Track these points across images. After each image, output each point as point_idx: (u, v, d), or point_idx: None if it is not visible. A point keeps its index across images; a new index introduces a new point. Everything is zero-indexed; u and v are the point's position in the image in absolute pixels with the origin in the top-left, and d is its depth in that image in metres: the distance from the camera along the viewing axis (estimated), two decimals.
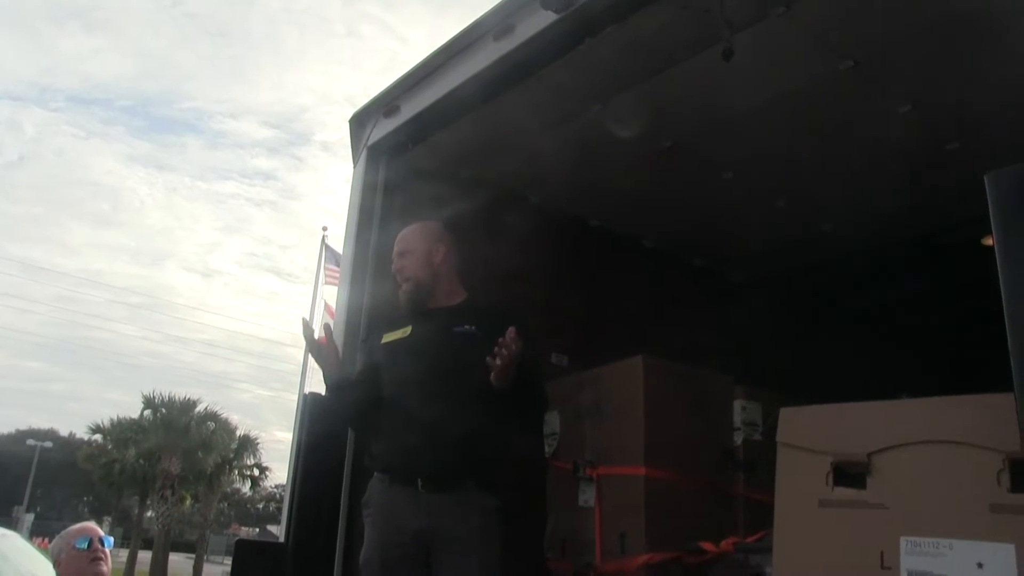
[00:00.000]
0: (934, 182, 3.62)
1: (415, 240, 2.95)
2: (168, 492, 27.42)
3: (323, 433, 3.19)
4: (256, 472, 32.40)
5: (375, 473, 2.73)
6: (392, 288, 2.99)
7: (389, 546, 2.60)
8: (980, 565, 1.95)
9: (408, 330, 2.85)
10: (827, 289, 4.62)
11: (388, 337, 2.89)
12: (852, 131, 3.35)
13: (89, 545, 3.07)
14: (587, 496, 3.39)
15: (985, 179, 1.51)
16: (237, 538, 3.08)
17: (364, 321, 3.37)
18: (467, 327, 2.75)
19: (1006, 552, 1.92)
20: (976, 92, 2.98)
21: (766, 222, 4.20)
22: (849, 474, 2.24)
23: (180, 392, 38.00)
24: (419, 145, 3.60)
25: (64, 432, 59.45)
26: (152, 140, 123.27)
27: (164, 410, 28.90)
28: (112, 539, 3.25)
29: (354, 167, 3.73)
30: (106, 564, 3.10)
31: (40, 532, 31.09)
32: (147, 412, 29.19)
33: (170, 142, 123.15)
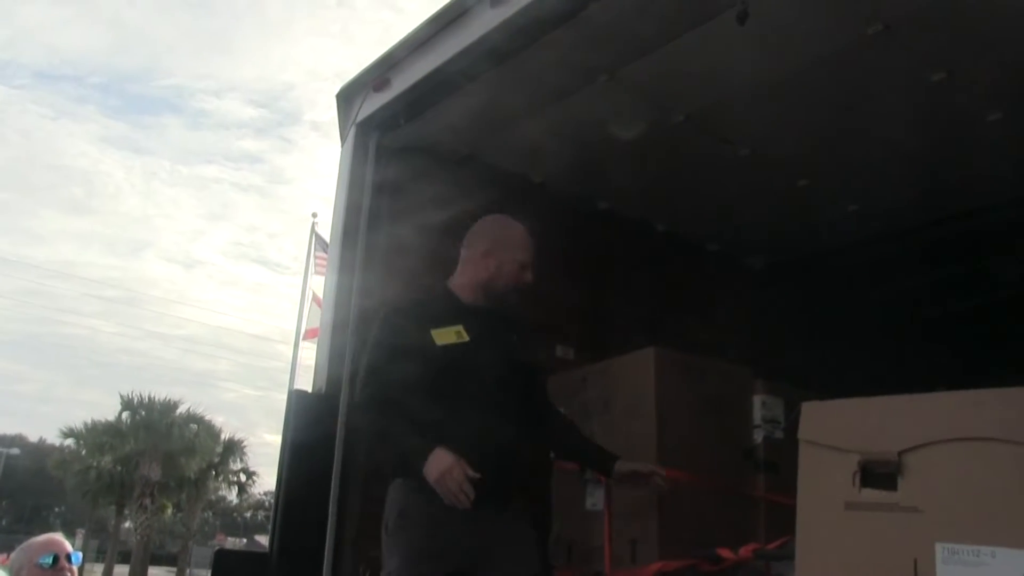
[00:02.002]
0: (973, 157, 3.58)
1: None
2: (147, 500, 27.52)
3: (311, 435, 3.18)
4: (243, 478, 32.61)
5: (411, 483, 2.64)
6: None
7: (434, 564, 2.57)
8: None
9: (463, 333, 2.78)
10: (853, 275, 4.59)
11: (441, 338, 2.77)
12: (881, 102, 3.31)
13: (54, 562, 2.85)
14: (595, 500, 3.37)
15: None
16: (217, 550, 3.06)
17: (393, 314, 3.21)
18: (514, 336, 2.88)
19: None
20: (1020, 56, 2.93)
21: (786, 203, 4.17)
22: (878, 474, 2.20)
23: (160, 392, 38.15)
24: (411, 121, 3.57)
25: (33, 437, 59.77)
26: (128, 120, 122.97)
27: (143, 412, 29.00)
28: (80, 555, 3.08)
29: (342, 145, 3.71)
30: None
31: (5, 547, 31.18)
32: (125, 414, 29.29)
33: (148, 123, 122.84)
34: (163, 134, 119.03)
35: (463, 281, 2.89)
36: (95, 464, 29.38)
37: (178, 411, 29.50)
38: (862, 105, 3.34)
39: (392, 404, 2.68)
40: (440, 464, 2.49)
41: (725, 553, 2.97)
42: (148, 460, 27.90)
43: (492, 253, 2.85)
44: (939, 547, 2.04)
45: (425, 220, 3.60)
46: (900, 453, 2.18)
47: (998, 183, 3.74)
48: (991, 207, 3.68)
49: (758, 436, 3.49)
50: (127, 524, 30.85)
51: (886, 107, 3.32)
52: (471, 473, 2.47)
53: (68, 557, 2.90)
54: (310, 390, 3.37)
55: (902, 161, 3.71)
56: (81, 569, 3.02)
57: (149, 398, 29.32)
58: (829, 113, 3.40)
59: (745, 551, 2.93)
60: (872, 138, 3.56)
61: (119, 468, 28.87)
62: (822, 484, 2.32)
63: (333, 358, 3.34)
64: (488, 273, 2.85)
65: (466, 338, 2.74)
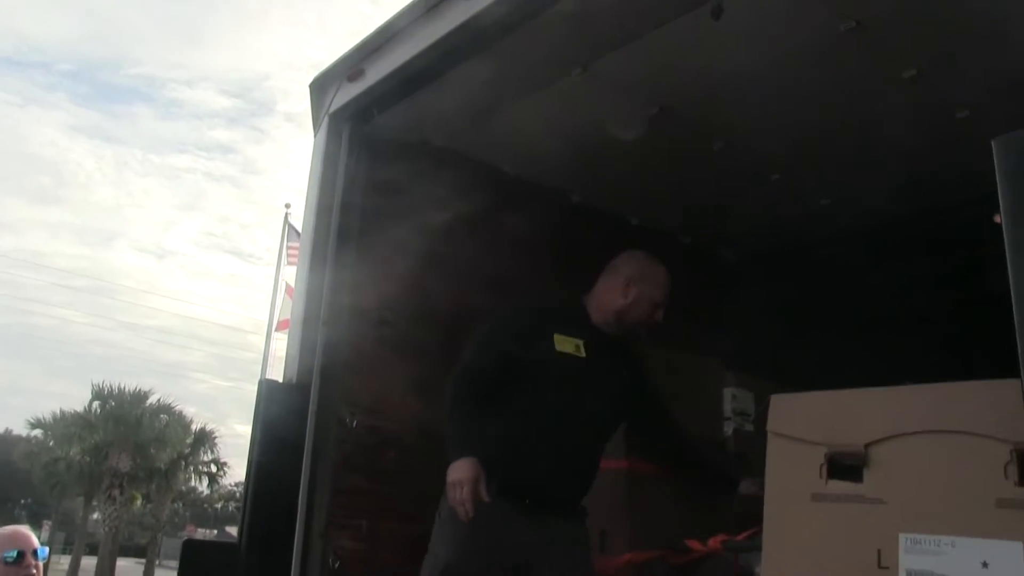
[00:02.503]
0: (942, 154, 3.62)
1: None
2: (116, 492, 27.29)
3: (282, 425, 3.18)
4: (213, 469, 32.38)
5: None
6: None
7: (483, 561, 2.68)
8: (985, 564, 1.95)
9: (580, 348, 2.90)
10: (825, 269, 4.63)
11: (561, 345, 2.90)
12: (852, 98, 3.34)
13: (19, 558, 2.76)
14: None
15: (993, 144, 1.50)
16: (185, 540, 3.04)
17: (520, 311, 3.12)
18: (624, 371, 3.02)
19: (1013, 550, 1.92)
20: (988, 55, 2.97)
21: (760, 196, 4.20)
22: (845, 466, 2.24)
23: (131, 383, 37.73)
24: (385, 112, 3.56)
25: None
26: (98, 109, 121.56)
27: (113, 402, 28.72)
28: (47, 549, 3.01)
29: (315, 136, 3.69)
30: None
31: None
32: (95, 404, 29.00)
33: (119, 111, 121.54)
34: (134, 123, 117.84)
35: (597, 303, 3.05)
36: (63, 455, 29.08)
37: (149, 401, 29.28)
38: (834, 101, 3.37)
39: (475, 390, 2.80)
40: (459, 472, 2.60)
41: (694, 544, 3.01)
42: (118, 451, 27.65)
43: (633, 284, 3.01)
44: (902, 537, 2.08)
45: (398, 211, 3.60)
46: (866, 445, 2.21)
47: (966, 180, 3.78)
48: (961, 203, 3.72)
49: (728, 428, 3.54)
50: (95, 515, 30.58)
51: (858, 103, 3.35)
52: (483, 495, 2.57)
53: (34, 552, 2.82)
54: (281, 380, 3.37)
55: (874, 157, 3.75)
56: (48, 562, 2.94)
57: (120, 388, 29.04)
58: (802, 108, 3.43)
59: (714, 542, 2.96)
60: (844, 134, 3.59)
61: (88, 459, 28.62)
62: (790, 476, 2.36)
63: (304, 349, 3.33)
64: (625, 302, 3.00)
65: (583, 354, 2.84)
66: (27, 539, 2.85)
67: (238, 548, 3.03)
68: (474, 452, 2.64)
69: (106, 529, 28.17)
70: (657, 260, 3.14)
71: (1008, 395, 1.98)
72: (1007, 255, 1.44)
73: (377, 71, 3.41)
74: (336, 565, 3.19)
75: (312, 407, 3.22)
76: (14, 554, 2.77)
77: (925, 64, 3.10)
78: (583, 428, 2.89)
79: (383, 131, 3.64)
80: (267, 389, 3.22)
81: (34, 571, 2.80)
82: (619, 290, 3.01)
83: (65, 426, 29.29)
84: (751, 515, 2.99)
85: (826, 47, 3.01)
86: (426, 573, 2.73)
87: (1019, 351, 1.39)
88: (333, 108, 3.58)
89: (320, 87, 3.65)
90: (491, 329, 2.94)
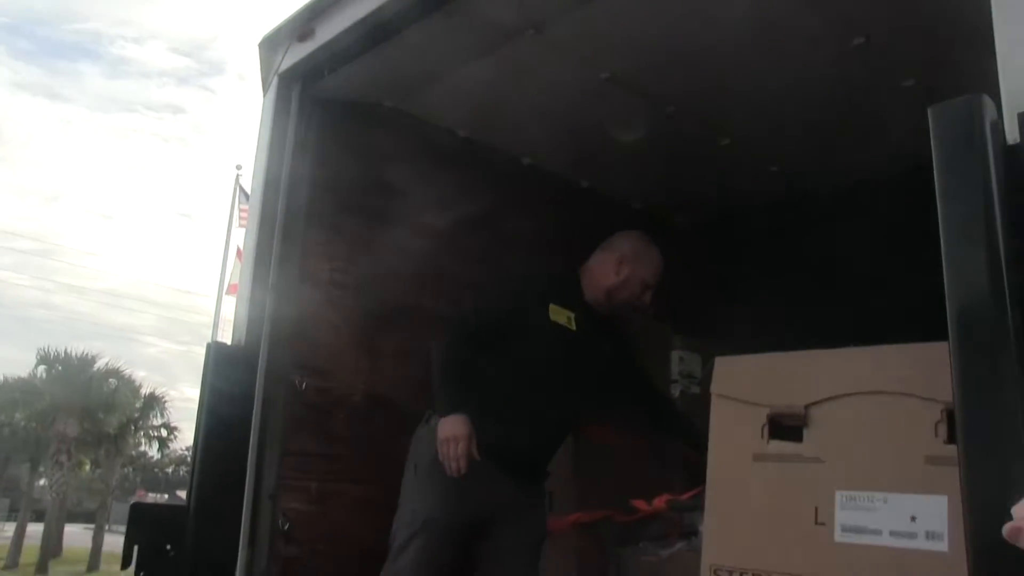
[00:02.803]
0: (887, 121, 3.68)
1: None
2: (64, 457, 26.92)
3: (230, 387, 3.17)
4: (164, 433, 32.07)
5: None
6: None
7: (461, 514, 2.78)
8: (913, 518, 2.03)
9: (572, 320, 2.98)
10: (776, 234, 4.70)
11: (556, 315, 2.96)
12: (801, 65, 3.38)
13: None
14: None
15: (928, 112, 1.54)
16: (133, 503, 3.03)
17: (520, 279, 3.23)
18: (608, 347, 3.10)
19: (938, 503, 2.00)
20: (934, 25, 3.02)
21: (709, 161, 4.24)
22: (785, 427, 2.30)
23: (78, 347, 37.06)
24: (336, 73, 3.52)
25: None
26: (41, 65, 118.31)
27: (60, 367, 28.26)
28: None
29: (264, 97, 3.64)
30: None
31: None
32: (40, 369, 28.53)
33: (62, 68, 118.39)
34: (79, 81, 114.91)
35: (590, 278, 3.11)
36: (7, 420, 28.60)
37: (96, 366, 28.82)
38: (783, 67, 3.40)
39: (469, 351, 2.85)
40: (454, 429, 2.67)
41: (640, 504, 3.08)
42: (65, 416, 27.24)
43: (626, 263, 3.08)
44: (838, 494, 2.15)
45: (349, 173, 3.59)
46: (807, 406, 2.27)
47: (909, 145, 3.85)
48: (908, 170, 3.78)
49: (675, 391, 3.60)
50: (42, 482, 30.18)
51: (806, 70, 3.39)
52: (475, 454, 2.66)
53: None
54: (230, 343, 3.35)
55: (821, 123, 3.80)
56: None
57: (66, 353, 28.55)
58: (750, 74, 3.46)
59: (659, 502, 3.04)
60: (792, 100, 3.63)
61: (33, 424, 28.17)
62: (732, 437, 2.41)
63: (253, 312, 3.32)
64: (615, 280, 3.06)
65: (573, 327, 2.89)
66: None
67: (187, 510, 3.03)
68: (466, 411, 2.70)
69: (53, 495, 27.84)
70: (652, 242, 3.19)
71: (940, 357, 2.06)
72: (939, 220, 1.48)
73: (328, 30, 3.36)
74: (286, 527, 3.20)
75: (261, 370, 3.21)
76: None
77: (873, 32, 3.15)
78: (563, 399, 2.97)
79: (334, 92, 3.60)
80: (215, 352, 3.20)
81: None
82: (612, 267, 3.07)
83: (8, 391, 28.80)
84: (694, 477, 3.08)
85: (775, 13, 3.04)
86: (403, 526, 2.77)
87: (948, 316, 1.44)
88: (283, 68, 3.53)
89: (269, 47, 3.59)
90: (492, 294, 3.02)
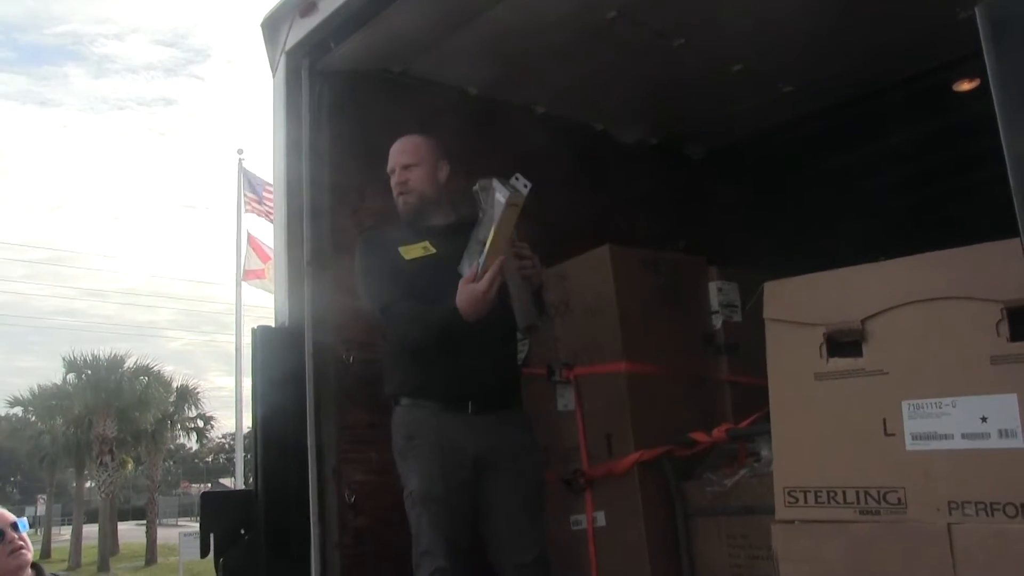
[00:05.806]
0: (904, 26, 3.61)
1: (421, 154, 3.01)
2: (107, 458, 27.29)
3: (280, 369, 3.19)
4: (200, 424, 32.48)
5: (414, 400, 2.84)
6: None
7: (450, 475, 2.73)
8: (984, 419, 2.03)
9: (429, 247, 2.89)
10: (793, 154, 4.66)
11: (409, 253, 2.89)
12: None
13: (1, 537, 2.72)
14: (566, 400, 3.44)
15: (977, 10, 1.50)
16: (203, 492, 3.06)
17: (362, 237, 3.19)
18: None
19: (1008, 402, 2.01)
20: None
21: (722, 90, 4.18)
22: (843, 343, 2.30)
23: (104, 349, 37.38)
24: (342, 44, 3.47)
25: None
26: (26, 72, 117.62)
27: (89, 371, 28.50)
28: (26, 521, 2.96)
29: (273, 77, 3.61)
30: (28, 551, 2.78)
31: None
32: (70, 376, 28.78)
33: (48, 73, 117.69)
34: (67, 84, 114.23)
35: None
36: (47, 429, 28.95)
37: (125, 366, 29.04)
38: None
39: (402, 311, 2.81)
40: (471, 293, 2.60)
41: (699, 436, 3.08)
42: (101, 418, 27.55)
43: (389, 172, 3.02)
44: (905, 404, 2.16)
45: (366, 142, 3.55)
46: (863, 321, 2.27)
47: (926, 49, 3.80)
48: (925, 72, 3.74)
49: (717, 321, 3.59)
50: (89, 484, 30.63)
51: None
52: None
53: (14, 526, 2.77)
54: (273, 326, 3.36)
55: (831, 36, 3.73)
56: (48, 532, 2.87)
57: (94, 356, 28.77)
58: None
59: (718, 432, 3.04)
60: (800, 15, 3.56)
61: (72, 429, 28.51)
62: (790, 359, 2.41)
63: (293, 292, 3.32)
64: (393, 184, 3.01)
65: (433, 251, 2.83)
66: (3, 516, 2.78)
67: (255, 494, 3.07)
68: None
69: (102, 496, 28.24)
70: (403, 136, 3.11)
71: (995, 257, 2.05)
72: (999, 119, 1.45)
73: (329, 3, 3.32)
74: (352, 500, 3.24)
75: (308, 348, 3.22)
76: None
77: None
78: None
79: (342, 63, 3.56)
80: (262, 335, 3.22)
81: (19, 544, 2.74)
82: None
83: (44, 400, 29.13)
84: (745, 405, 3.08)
85: None
86: (410, 509, 2.77)
87: (1017, 211, 1.41)
88: (288, 46, 3.49)
89: (272, 26, 3.56)
90: (364, 269, 2.95)
